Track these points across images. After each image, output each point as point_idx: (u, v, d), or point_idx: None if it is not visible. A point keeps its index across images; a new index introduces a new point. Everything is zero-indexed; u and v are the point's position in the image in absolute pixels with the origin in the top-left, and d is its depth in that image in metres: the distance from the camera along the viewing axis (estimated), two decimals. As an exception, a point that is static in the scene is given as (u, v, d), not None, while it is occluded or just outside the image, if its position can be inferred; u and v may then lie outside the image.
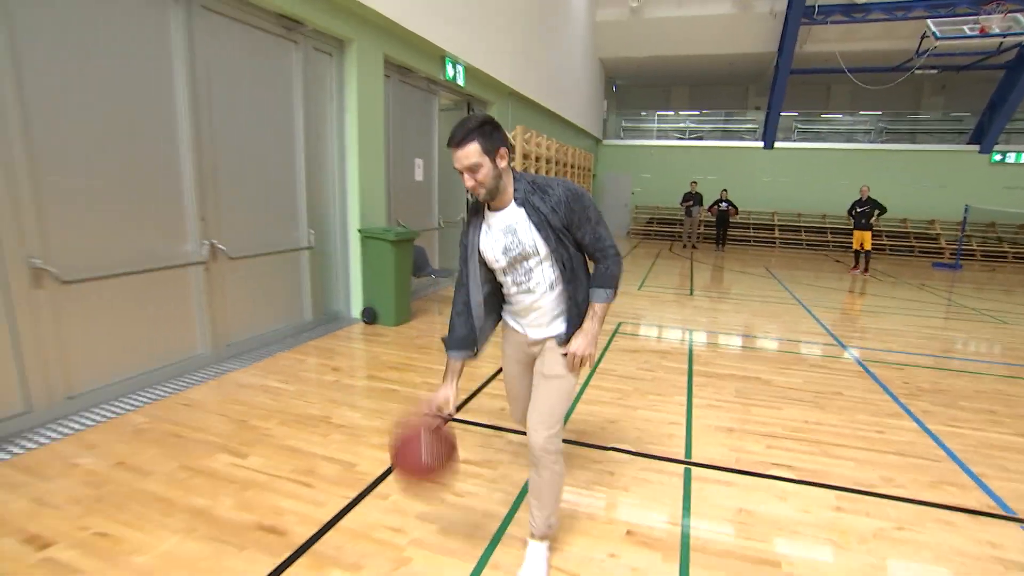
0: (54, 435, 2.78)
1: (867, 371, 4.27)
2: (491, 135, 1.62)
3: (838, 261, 11.96)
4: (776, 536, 2.13)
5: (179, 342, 3.69)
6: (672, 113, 18.25)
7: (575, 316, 1.82)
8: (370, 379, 3.77)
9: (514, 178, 1.74)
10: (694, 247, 13.30)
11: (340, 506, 2.25)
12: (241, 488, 2.36)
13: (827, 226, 14.82)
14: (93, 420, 2.96)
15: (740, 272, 9.73)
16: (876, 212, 9.57)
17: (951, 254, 12.71)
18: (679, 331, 5.32)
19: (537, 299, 1.82)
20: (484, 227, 1.81)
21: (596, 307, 1.81)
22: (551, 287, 1.80)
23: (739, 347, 4.85)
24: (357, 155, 5.01)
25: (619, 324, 5.46)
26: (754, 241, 14.88)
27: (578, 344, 1.77)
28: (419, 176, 6.53)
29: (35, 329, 2.84)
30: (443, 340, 1.94)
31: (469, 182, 1.64)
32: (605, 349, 4.57)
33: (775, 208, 15.41)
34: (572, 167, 12.07)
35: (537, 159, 9.38)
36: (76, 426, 2.89)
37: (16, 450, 2.62)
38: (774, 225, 15.13)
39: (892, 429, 3.19)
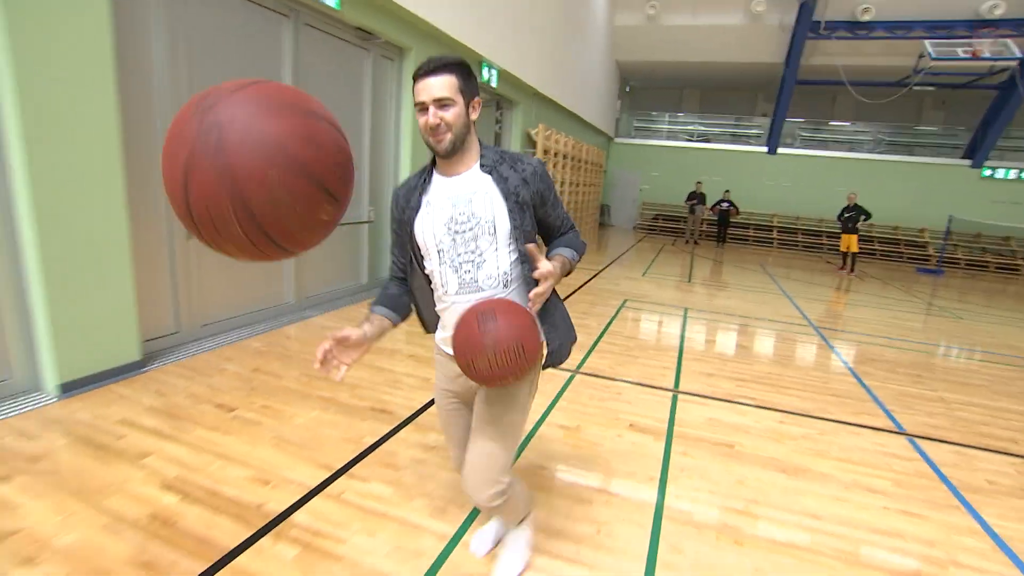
0: (198, 350, 3.71)
1: (827, 343, 5.18)
2: (469, 77, 1.35)
3: (829, 262, 12.83)
4: (733, 434, 3.05)
5: (273, 291, 4.61)
6: (682, 115, 19.03)
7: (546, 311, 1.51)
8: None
9: (482, 144, 1.46)
10: (696, 243, 14.17)
11: (427, 399, 3.17)
12: (352, 387, 3.28)
13: (823, 230, 15.67)
14: (222, 343, 3.88)
15: (736, 266, 10.62)
16: (862, 217, 10.43)
17: (938, 261, 13.57)
18: (676, 307, 6.22)
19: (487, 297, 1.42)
20: (424, 201, 1.44)
21: (563, 258, 1.48)
22: (505, 284, 1.44)
23: (724, 321, 5.75)
24: (410, 146, 5.90)
25: (625, 300, 6.37)
26: (753, 241, 15.75)
27: (547, 268, 1.33)
28: (455, 165, 7.44)
29: (185, 270, 3.76)
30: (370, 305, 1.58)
31: (434, 120, 1.30)
32: (612, 319, 5.48)
33: (775, 210, 16.26)
34: (585, 163, 12.94)
35: (555, 154, 10.25)
36: (211, 345, 3.82)
37: (177, 358, 3.55)
38: (773, 227, 15.99)
39: (835, 381, 4.10)
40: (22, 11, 2.49)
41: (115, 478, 2.20)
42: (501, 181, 1.41)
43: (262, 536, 1.91)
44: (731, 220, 14.08)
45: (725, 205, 13.66)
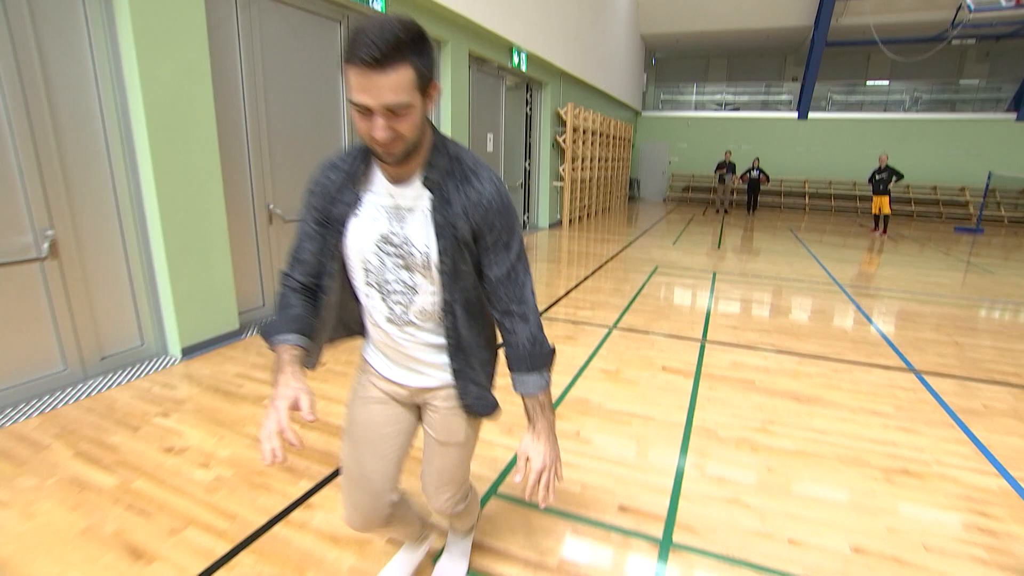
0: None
1: (851, 299, 5.47)
2: (425, 55, 0.91)
3: (862, 225, 12.79)
4: (754, 373, 3.46)
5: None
6: (709, 85, 18.89)
7: (469, 366, 1.22)
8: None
9: (434, 142, 1.06)
10: (726, 212, 14.27)
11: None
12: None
13: (856, 193, 15.51)
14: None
15: (766, 233, 10.78)
16: (894, 178, 10.42)
17: (977, 219, 13.35)
18: (705, 272, 6.56)
19: (417, 337, 1.18)
20: (361, 200, 1.10)
21: (539, 397, 1.18)
22: (437, 324, 1.18)
23: (751, 282, 6.08)
24: (451, 132, 6.36)
25: (656, 267, 6.74)
26: (785, 207, 15.72)
27: (538, 454, 1.15)
28: (490, 148, 7.87)
29: (268, 253, 4.34)
30: (261, 329, 1.17)
31: (384, 134, 0.92)
32: (644, 283, 5.87)
33: (807, 176, 16.15)
34: (614, 138, 13.17)
35: (584, 131, 10.56)
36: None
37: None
38: (805, 192, 15.91)
39: (854, 331, 4.43)
40: (148, 37, 3.04)
41: (245, 414, 2.77)
42: (442, 205, 1.04)
43: (371, 448, 2.46)
44: (761, 188, 14.11)
45: (755, 173, 13.71)
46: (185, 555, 1.79)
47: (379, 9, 4.85)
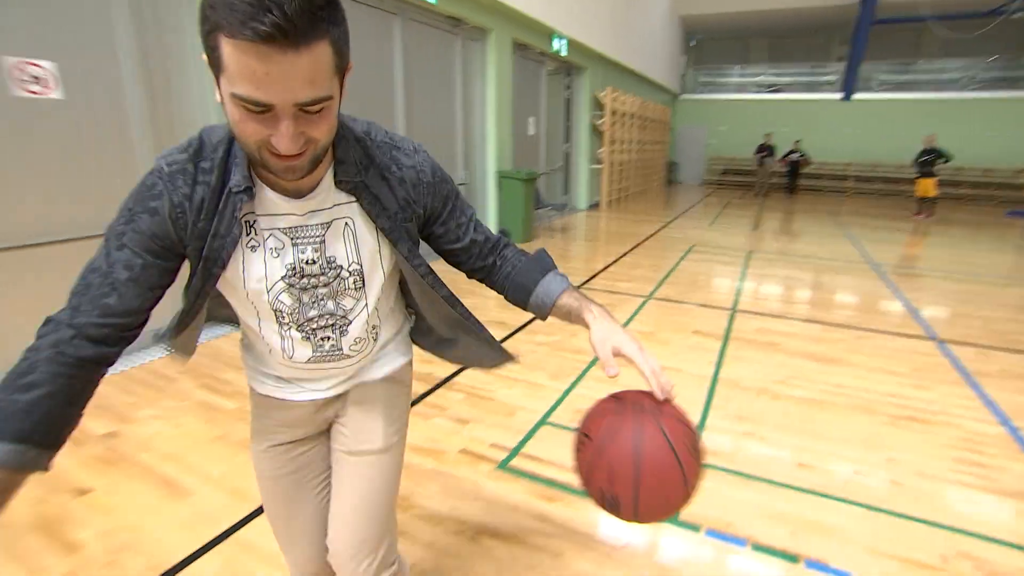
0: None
1: (882, 276, 5.62)
2: (345, 22, 0.67)
3: (907, 210, 12.59)
4: (779, 337, 3.74)
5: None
6: (749, 67, 18.60)
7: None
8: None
9: (338, 134, 0.80)
10: (765, 195, 14.21)
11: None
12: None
13: (902, 176, 15.15)
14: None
15: (805, 215, 10.79)
16: (940, 160, 10.25)
17: (1031, 203, 12.93)
18: (740, 251, 6.77)
19: (355, 362, 0.99)
20: (254, 221, 0.81)
21: (574, 290, 0.97)
22: (375, 339, 1.01)
23: (784, 261, 6.27)
24: (496, 117, 6.73)
25: (692, 246, 6.99)
26: (827, 191, 15.50)
27: (625, 340, 0.88)
28: (532, 131, 8.20)
29: None
30: None
31: (289, 144, 0.65)
32: (680, 260, 6.14)
33: (850, 159, 15.84)
34: (651, 120, 13.27)
35: (623, 115, 10.75)
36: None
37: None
38: (847, 175, 15.63)
39: (882, 303, 4.63)
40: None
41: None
42: (373, 205, 0.85)
43: (438, 388, 2.89)
44: (801, 170, 13.98)
45: (796, 156, 13.59)
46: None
47: (432, 2, 5.23)
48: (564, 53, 8.24)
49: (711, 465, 2.23)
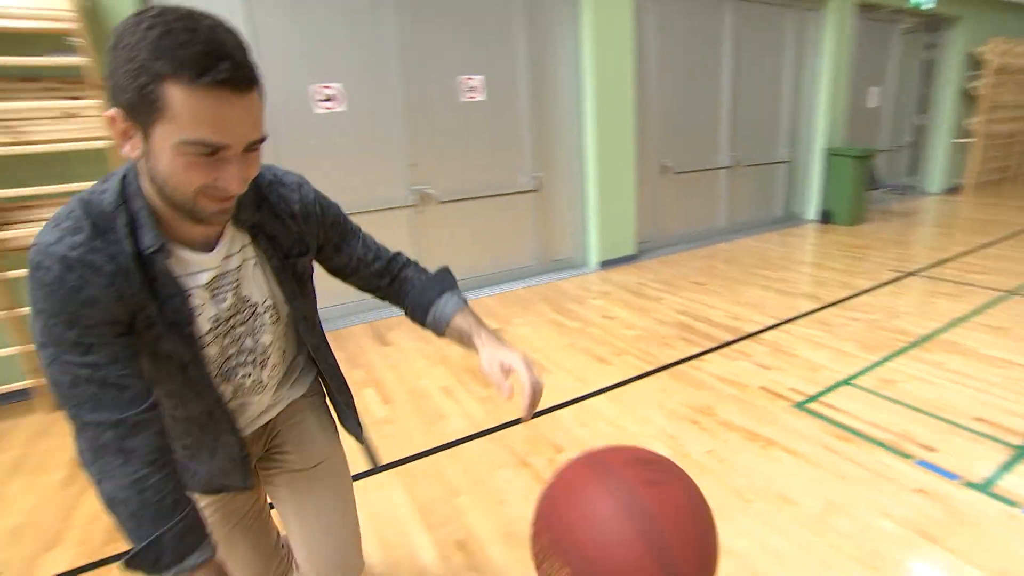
0: (666, 252, 5.37)
1: None
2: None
3: None
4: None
5: (710, 219, 6.00)
6: None
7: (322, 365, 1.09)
8: (846, 253, 5.36)
9: None
10: None
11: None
12: (783, 280, 4.35)
13: None
14: (679, 250, 5.47)
15: None
16: None
17: None
18: None
19: (272, 391, 1.03)
20: (182, 282, 0.81)
21: (469, 309, 1.03)
22: (288, 366, 1.06)
23: None
24: (829, 89, 6.33)
25: None
26: None
27: (517, 361, 0.89)
28: (872, 103, 7.35)
29: (657, 198, 5.45)
30: (128, 559, 0.74)
31: (238, 186, 0.71)
32: None
33: None
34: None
35: (1014, 72, 8.53)
36: (673, 251, 5.44)
37: (654, 256, 5.30)
38: None
39: None
40: (598, 31, 4.36)
41: (649, 306, 3.91)
42: (268, 243, 0.89)
43: (744, 340, 3.26)
44: None
45: None
46: (623, 367, 2.98)
47: (772, -21, 5.26)
48: (930, 6, 7.05)
49: (1049, 452, 2.09)
